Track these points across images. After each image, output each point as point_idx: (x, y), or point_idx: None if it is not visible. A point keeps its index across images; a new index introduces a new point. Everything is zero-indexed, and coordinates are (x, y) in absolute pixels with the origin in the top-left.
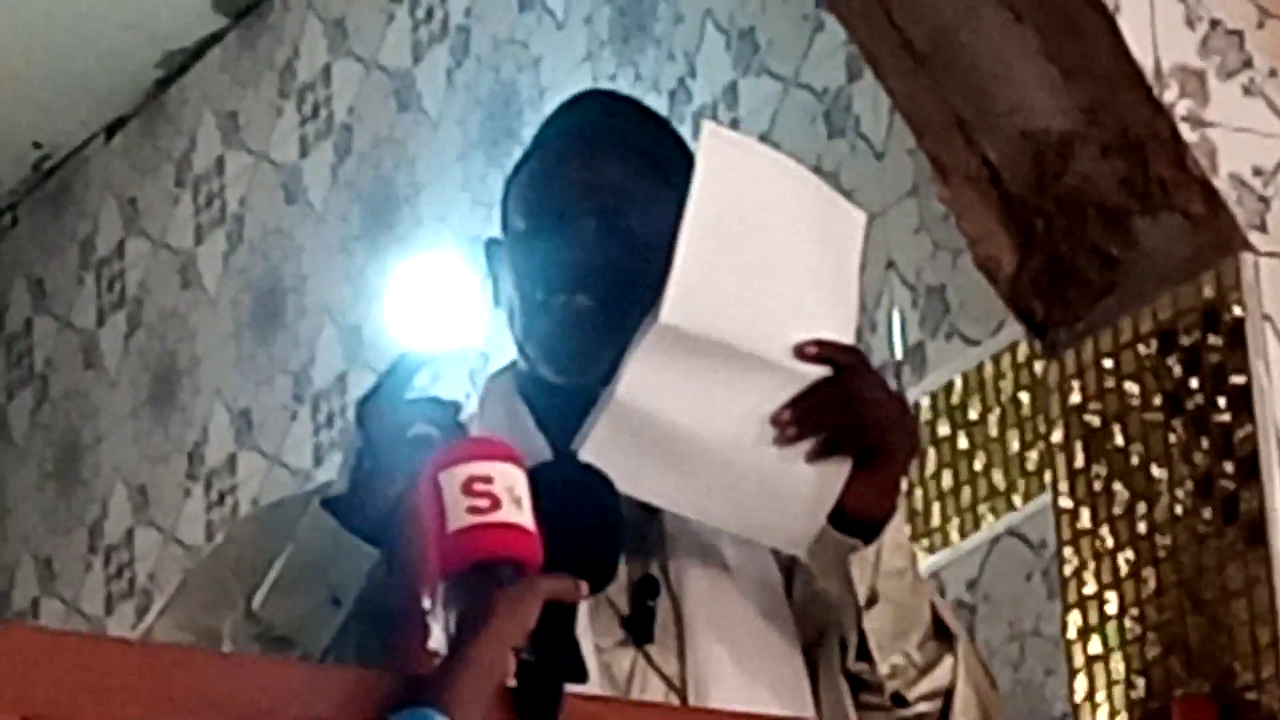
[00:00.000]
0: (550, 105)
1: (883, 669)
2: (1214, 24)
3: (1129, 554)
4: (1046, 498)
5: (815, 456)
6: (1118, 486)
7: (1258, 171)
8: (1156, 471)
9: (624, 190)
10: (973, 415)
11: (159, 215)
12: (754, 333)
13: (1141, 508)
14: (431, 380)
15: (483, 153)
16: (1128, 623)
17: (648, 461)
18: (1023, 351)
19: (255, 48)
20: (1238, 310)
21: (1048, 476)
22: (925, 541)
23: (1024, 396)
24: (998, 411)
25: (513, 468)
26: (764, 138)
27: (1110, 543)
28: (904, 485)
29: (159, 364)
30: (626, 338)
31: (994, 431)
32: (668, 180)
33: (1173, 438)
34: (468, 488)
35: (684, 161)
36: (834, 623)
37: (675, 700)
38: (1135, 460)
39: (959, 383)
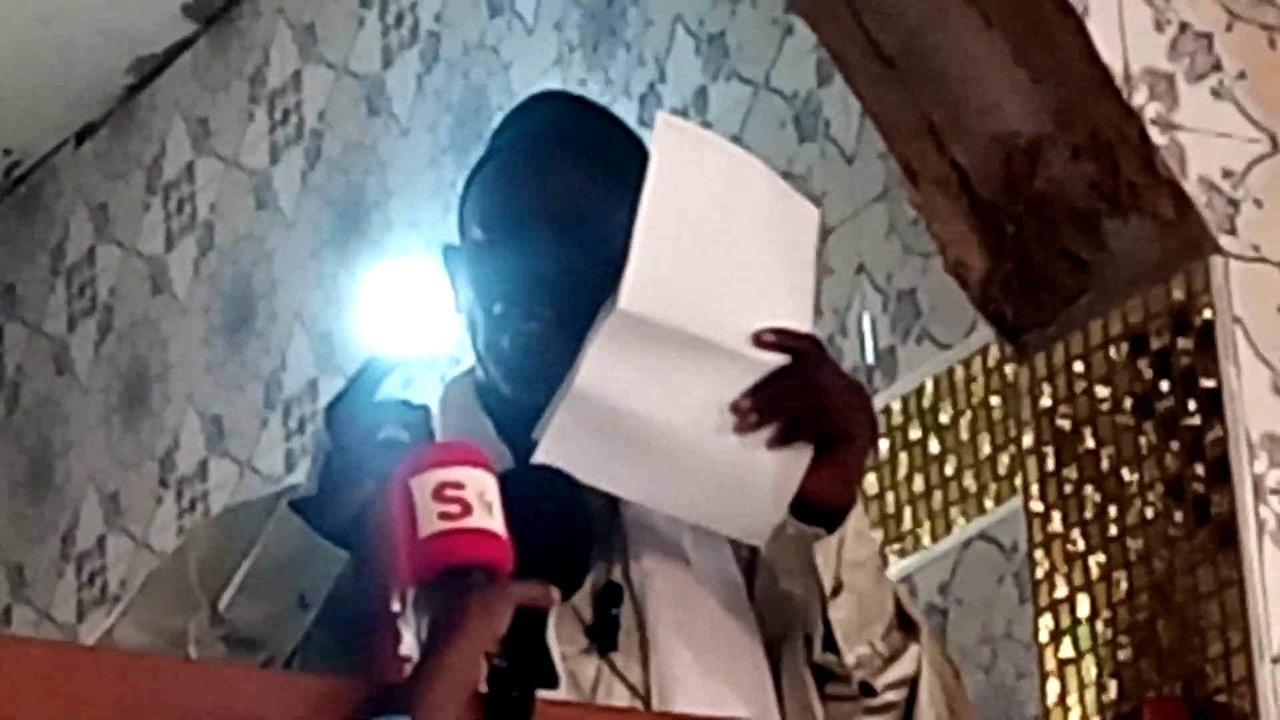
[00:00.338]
0: None
1: (849, 659)
2: (1183, 27)
3: (1100, 557)
4: (1018, 501)
5: (776, 443)
6: (1089, 490)
7: (1227, 174)
8: (1127, 474)
9: (581, 196)
10: (944, 419)
11: (129, 221)
12: (712, 320)
13: (1112, 511)
14: (403, 385)
15: (453, 158)
16: (1099, 626)
17: (607, 451)
18: (994, 355)
19: (225, 54)
20: (1208, 313)
21: (1019, 480)
22: (897, 545)
23: (995, 400)
24: (969, 415)
25: (484, 473)
26: (734, 141)
27: (1081, 546)
28: (865, 473)
29: (130, 370)
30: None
31: (965, 435)
32: (624, 181)
33: (1143, 441)
34: (439, 493)
35: (640, 161)
36: (797, 618)
37: (641, 708)
38: (1106, 463)
39: (930, 386)
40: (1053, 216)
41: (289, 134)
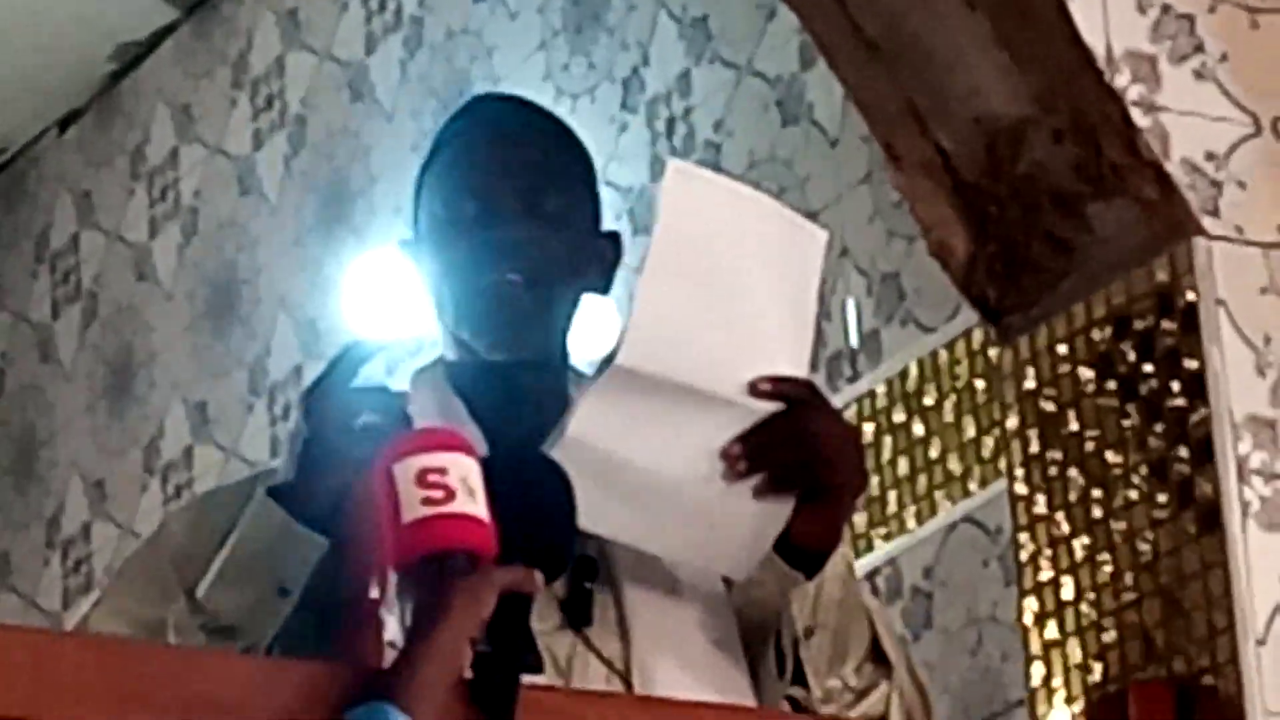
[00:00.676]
0: None
1: (817, 694)
2: (1165, 9)
3: (1085, 539)
4: (1002, 484)
5: (761, 493)
6: (1073, 472)
7: (1210, 156)
8: (1111, 457)
9: (541, 170)
10: (928, 402)
11: (113, 208)
12: (709, 370)
13: (1097, 493)
14: (388, 371)
15: None
16: (1084, 608)
17: (596, 495)
18: (977, 338)
19: (208, 40)
20: (1191, 295)
21: (1003, 462)
22: (882, 529)
23: (979, 383)
24: (953, 398)
25: (466, 458)
26: (717, 126)
27: (1066, 528)
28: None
29: (114, 357)
30: (553, 315)
31: (949, 418)
32: (576, 169)
33: (1127, 423)
34: (421, 479)
35: (587, 159)
36: (771, 627)
37: (617, 682)
38: (1090, 446)
39: (914, 369)
40: (1036, 199)
41: (272, 120)
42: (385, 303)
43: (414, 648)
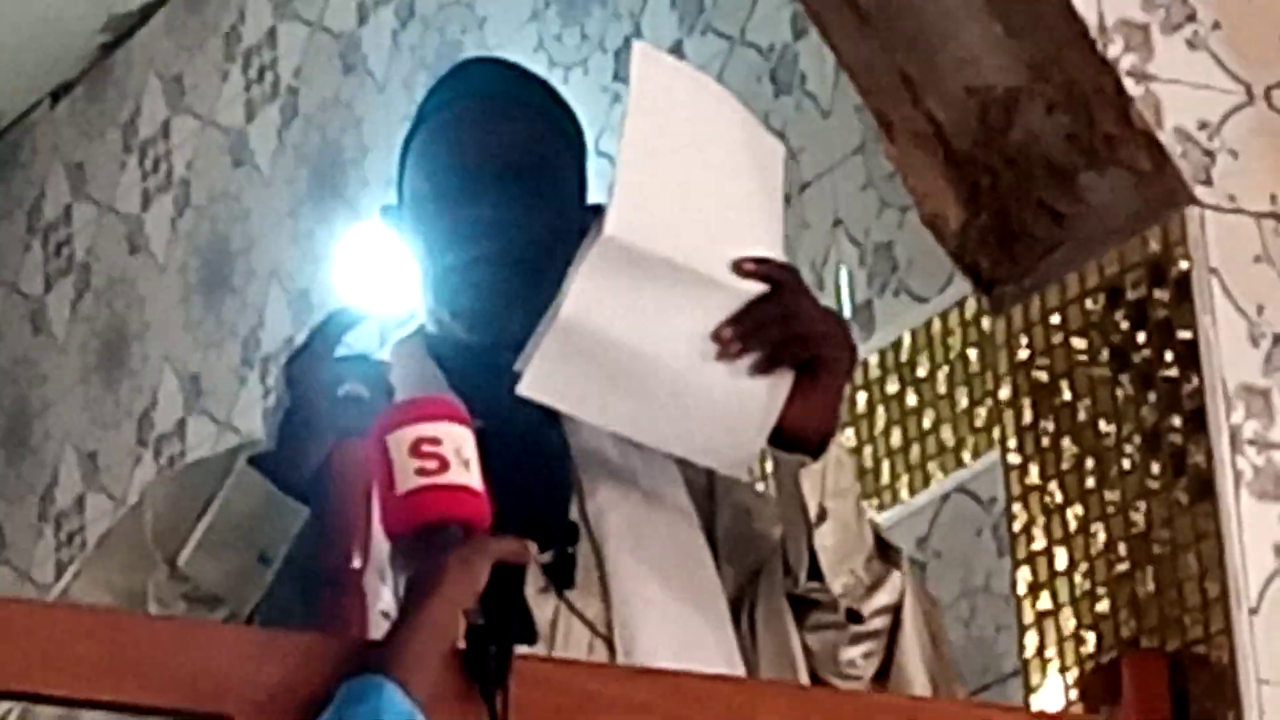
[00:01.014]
0: None
1: (835, 587)
2: None
3: (1078, 509)
4: (995, 454)
5: (758, 370)
6: (1066, 442)
7: (1203, 125)
8: (1104, 426)
9: (525, 146)
10: (921, 372)
11: (106, 180)
12: (694, 249)
13: (1090, 463)
14: (379, 344)
15: None
16: (1077, 578)
17: (591, 383)
18: (970, 308)
19: (200, 12)
20: (1184, 264)
21: (996, 433)
22: (875, 500)
23: (972, 353)
24: (946, 368)
25: (461, 428)
26: None
27: (1059, 498)
28: (844, 400)
29: (107, 329)
30: (536, 295)
31: (942, 388)
32: (564, 135)
33: (1120, 393)
34: (416, 449)
35: (576, 126)
36: (775, 554)
37: (600, 645)
38: (1083, 415)
39: (907, 339)
40: (1029, 169)
41: (264, 91)
42: (378, 274)
43: (407, 618)
